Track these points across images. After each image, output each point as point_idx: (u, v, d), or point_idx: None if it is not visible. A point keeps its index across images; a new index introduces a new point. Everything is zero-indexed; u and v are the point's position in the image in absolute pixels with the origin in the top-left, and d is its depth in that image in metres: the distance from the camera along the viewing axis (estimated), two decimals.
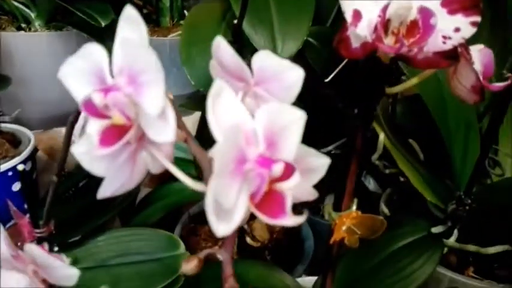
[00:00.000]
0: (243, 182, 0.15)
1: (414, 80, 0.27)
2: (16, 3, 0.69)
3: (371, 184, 0.68)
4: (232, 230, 0.15)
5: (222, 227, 0.15)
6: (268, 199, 0.16)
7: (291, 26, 0.49)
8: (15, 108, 0.69)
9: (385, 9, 0.20)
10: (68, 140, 0.32)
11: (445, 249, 0.43)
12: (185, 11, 0.82)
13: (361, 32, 0.20)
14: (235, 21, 0.45)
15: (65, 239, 0.45)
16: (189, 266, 0.19)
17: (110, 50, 0.52)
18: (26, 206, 0.55)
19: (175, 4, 0.81)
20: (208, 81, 0.19)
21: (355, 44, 0.21)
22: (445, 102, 0.42)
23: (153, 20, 0.82)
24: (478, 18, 0.20)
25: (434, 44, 0.20)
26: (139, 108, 0.16)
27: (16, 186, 0.53)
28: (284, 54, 0.47)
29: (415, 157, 0.48)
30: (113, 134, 0.16)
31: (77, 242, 0.44)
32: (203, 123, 0.60)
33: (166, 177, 0.60)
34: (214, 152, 0.14)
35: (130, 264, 0.41)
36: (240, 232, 0.54)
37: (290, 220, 0.15)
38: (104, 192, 0.19)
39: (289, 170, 0.15)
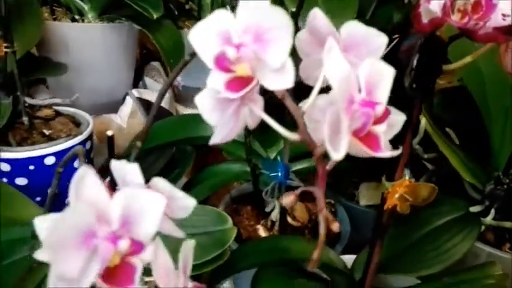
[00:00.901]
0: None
1: (468, 59, 0.30)
2: None
3: (407, 174, 0.70)
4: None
5: (335, 154, 0.18)
6: (368, 137, 0.19)
7: (335, 19, 0.52)
8: (68, 94, 0.74)
9: None
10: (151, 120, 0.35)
11: (483, 227, 0.46)
12: (227, 7, 0.86)
13: (433, 7, 0.24)
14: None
15: None
16: (288, 199, 0.23)
17: (158, 40, 0.56)
18: None
19: (216, 0, 0.86)
20: None
21: (425, 19, 0.25)
22: (484, 85, 0.44)
23: (194, 16, 0.87)
24: None
25: (495, 20, 0.24)
26: (260, 62, 0.20)
27: (77, 163, 0.57)
28: None
29: (455, 144, 0.51)
30: (236, 84, 0.20)
31: None
32: None
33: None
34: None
35: (186, 236, 0.45)
36: (282, 213, 0.57)
37: (386, 153, 0.19)
38: (215, 139, 0.23)
39: (385, 114, 0.19)
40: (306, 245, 0.50)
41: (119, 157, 0.67)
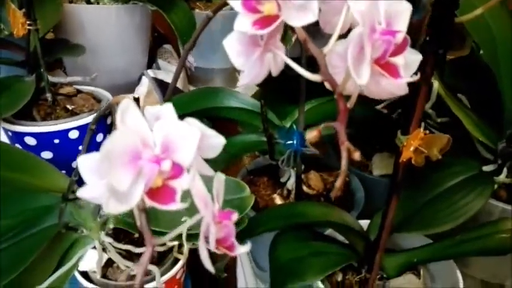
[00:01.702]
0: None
1: (479, 11, 0.32)
2: None
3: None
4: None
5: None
6: (389, 66, 0.21)
7: None
8: (85, 76, 0.77)
9: None
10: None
11: (496, 185, 0.47)
12: None
13: None
14: None
15: None
16: (312, 134, 0.24)
17: (172, 20, 0.58)
18: None
19: None
20: None
21: None
22: (495, 44, 0.45)
23: None
24: None
25: None
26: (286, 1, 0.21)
27: (99, 137, 0.59)
28: None
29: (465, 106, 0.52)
30: (263, 23, 0.22)
31: None
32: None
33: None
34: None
35: None
36: (298, 182, 0.59)
37: (406, 79, 0.20)
38: (242, 81, 0.25)
39: (404, 43, 0.20)
40: (321, 210, 0.52)
41: None
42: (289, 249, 0.50)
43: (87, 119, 0.57)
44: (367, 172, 0.67)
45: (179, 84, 0.87)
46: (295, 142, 0.53)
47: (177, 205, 0.20)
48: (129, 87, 0.82)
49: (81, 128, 0.56)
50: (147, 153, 0.20)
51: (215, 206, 0.22)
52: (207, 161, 0.64)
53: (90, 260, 0.51)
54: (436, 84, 0.48)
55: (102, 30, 0.76)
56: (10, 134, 0.56)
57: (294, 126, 0.54)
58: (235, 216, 0.22)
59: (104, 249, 0.45)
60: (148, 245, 0.23)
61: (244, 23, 0.23)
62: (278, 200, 0.60)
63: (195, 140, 0.21)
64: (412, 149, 0.36)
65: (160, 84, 0.81)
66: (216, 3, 0.88)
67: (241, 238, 0.50)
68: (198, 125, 0.25)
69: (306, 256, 0.48)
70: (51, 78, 0.60)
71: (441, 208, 0.47)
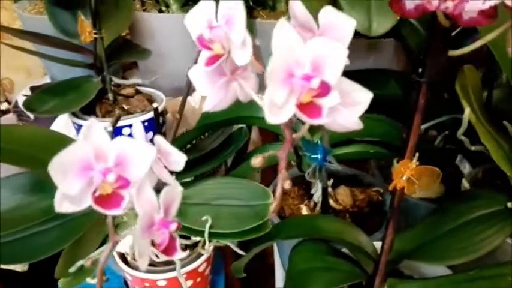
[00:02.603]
0: (291, 90, 0.22)
1: (477, 44, 0.31)
2: None
3: (466, 168, 0.67)
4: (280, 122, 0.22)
5: (273, 118, 0.22)
6: (311, 107, 0.22)
7: (386, 6, 0.53)
8: (151, 77, 0.85)
9: None
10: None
11: None
12: None
13: None
14: None
15: (181, 179, 0.57)
16: (257, 160, 0.26)
17: None
18: None
19: None
20: None
21: (409, 6, 0.26)
22: None
23: (269, 6, 0.91)
24: None
25: (475, 4, 0.24)
26: (231, 42, 0.24)
27: (150, 135, 0.66)
28: (378, 31, 0.52)
29: (505, 137, 0.49)
30: (213, 60, 0.25)
31: (189, 182, 0.55)
32: None
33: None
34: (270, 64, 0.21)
35: (229, 206, 0.48)
36: (324, 195, 0.60)
37: (323, 120, 0.22)
38: (207, 106, 0.28)
39: (324, 88, 0.22)
40: (337, 227, 0.52)
41: (188, 132, 0.74)
42: (304, 260, 0.52)
43: (138, 118, 0.64)
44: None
45: None
46: (319, 156, 0.54)
47: (120, 211, 0.24)
48: (192, 89, 0.89)
49: (132, 126, 0.63)
50: (100, 166, 0.24)
51: (160, 213, 0.26)
52: (240, 163, 0.67)
53: (126, 243, 0.58)
54: (467, 110, 0.46)
55: (170, 36, 0.84)
56: (76, 126, 0.66)
57: (319, 141, 0.55)
58: (174, 226, 0.25)
59: None
60: (111, 241, 0.27)
61: (202, 57, 0.26)
62: (304, 211, 0.61)
63: (149, 158, 0.25)
64: (404, 178, 0.36)
65: None
66: (279, 12, 0.91)
67: (262, 242, 0.53)
68: (163, 144, 0.29)
69: (317, 269, 0.50)
70: (116, 80, 0.68)
71: (459, 240, 0.45)
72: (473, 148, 0.51)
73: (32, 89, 0.93)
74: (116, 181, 0.23)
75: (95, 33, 0.59)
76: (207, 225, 0.43)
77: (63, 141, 0.54)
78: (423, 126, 0.63)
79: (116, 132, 0.63)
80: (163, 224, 0.25)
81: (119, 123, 0.63)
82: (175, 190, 0.27)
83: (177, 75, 0.90)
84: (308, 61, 0.22)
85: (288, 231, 0.54)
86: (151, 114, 0.65)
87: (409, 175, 0.35)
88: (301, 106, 0.22)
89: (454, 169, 0.68)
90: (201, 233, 0.44)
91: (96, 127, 0.25)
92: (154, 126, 0.66)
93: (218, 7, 0.25)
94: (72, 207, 0.24)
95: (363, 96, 0.25)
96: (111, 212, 0.24)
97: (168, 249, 0.25)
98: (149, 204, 0.25)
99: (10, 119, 0.86)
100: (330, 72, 0.22)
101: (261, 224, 0.45)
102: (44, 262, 0.41)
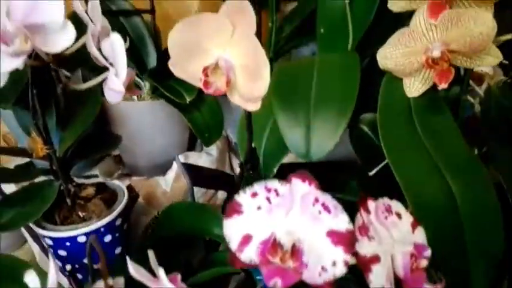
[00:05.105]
0: None
1: None
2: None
3: None
4: None
5: None
6: None
7: (326, 129, 0.50)
8: (132, 157, 0.86)
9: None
10: None
11: None
12: None
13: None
14: None
15: None
16: None
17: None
18: (116, 252, 0.69)
19: None
20: None
21: None
22: None
23: None
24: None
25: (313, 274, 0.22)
26: None
27: (107, 238, 0.66)
28: (316, 156, 0.50)
29: None
30: None
31: None
32: None
33: None
34: None
35: None
36: None
37: None
38: None
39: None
40: None
41: (157, 217, 0.74)
42: None
43: (94, 225, 0.64)
44: None
45: (211, 162, 0.91)
46: None
47: None
48: (164, 168, 0.89)
49: (88, 234, 0.64)
50: None
51: None
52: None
53: None
54: None
55: (140, 120, 0.84)
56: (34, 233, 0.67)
57: None
58: None
59: None
60: None
61: None
62: None
63: None
64: None
65: (190, 168, 0.86)
66: None
67: None
68: None
69: None
70: (78, 180, 0.69)
71: None
72: None
73: None
74: None
75: (47, 149, 0.60)
76: None
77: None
78: None
79: (72, 241, 0.64)
80: None
81: (76, 232, 0.63)
82: None
83: (154, 153, 0.90)
84: None
85: None
86: (108, 219, 0.65)
87: None
88: None
89: None
90: None
91: None
92: (114, 228, 0.67)
93: None
94: None
95: None
96: None
97: None
98: None
99: None
100: None
101: None
102: None
